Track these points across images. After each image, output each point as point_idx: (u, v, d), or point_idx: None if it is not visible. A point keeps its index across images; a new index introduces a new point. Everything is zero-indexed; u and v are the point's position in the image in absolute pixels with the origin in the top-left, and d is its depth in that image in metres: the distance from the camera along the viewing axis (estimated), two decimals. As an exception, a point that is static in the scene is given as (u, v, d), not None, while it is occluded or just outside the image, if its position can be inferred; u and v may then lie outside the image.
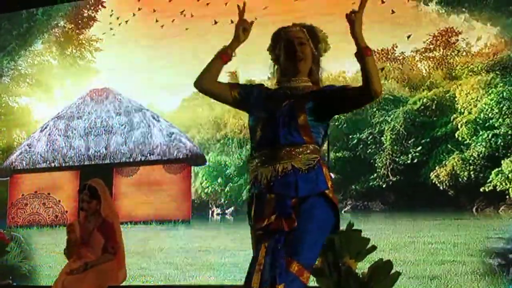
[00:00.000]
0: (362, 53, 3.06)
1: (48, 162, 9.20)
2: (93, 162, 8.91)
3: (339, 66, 7.76)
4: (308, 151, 3.03)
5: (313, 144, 3.07)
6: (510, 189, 6.69)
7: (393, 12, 7.65)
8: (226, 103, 3.40)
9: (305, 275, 2.87)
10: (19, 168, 9.34)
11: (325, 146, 3.36)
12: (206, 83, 3.25)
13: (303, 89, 3.19)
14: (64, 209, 8.91)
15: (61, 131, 9.24)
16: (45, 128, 9.39)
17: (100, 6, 9.55)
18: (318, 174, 3.01)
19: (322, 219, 2.98)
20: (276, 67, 3.36)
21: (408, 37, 7.57)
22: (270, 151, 3.03)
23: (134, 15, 9.18)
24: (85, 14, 9.65)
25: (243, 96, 3.30)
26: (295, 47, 3.19)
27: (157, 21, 8.97)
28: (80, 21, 9.66)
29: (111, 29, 9.36)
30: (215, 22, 8.51)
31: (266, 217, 2.94)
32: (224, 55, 3.24)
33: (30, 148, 9.36)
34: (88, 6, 9.64)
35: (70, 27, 9.70)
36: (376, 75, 3.02)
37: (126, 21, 9.22)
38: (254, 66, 7.85)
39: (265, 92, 3.28)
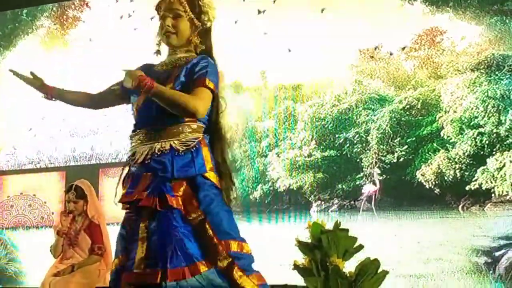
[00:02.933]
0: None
1: (33, 163, 9.16)
2: (79, 163, 8.88)
3: (325, 66, 7.78)
4: (189, 130, 2.98)
5: (196, 123, 3.02)
6: (496, 187, 6.73)
7: (377, 11, 7.68)
8: (120, 102, 3.39)
9: (246, 247, 2.98)
10: (4, 169, 9.30)
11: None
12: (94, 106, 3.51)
13: (181, 60, 3.12)
14: (50, 211, 8.87)
15: (47, 133, 9.20)
16: (31, 129, 9.34)
17: (85, 7, 9.51)
18: (196, 156, 2.94)
19: (220, 197, 3.01)
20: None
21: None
22: (150, 129, 2.97)
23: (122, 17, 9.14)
24: (70, 15, 9.60)
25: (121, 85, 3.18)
26: (165, 21, 3.12)
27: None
28: (65, 22, 9.61)
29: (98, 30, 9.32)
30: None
31: (136, 193, 2.89)
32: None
33: (15, 149, 9.31)
34: (73, 6, 9.59)
35: (55, 27, 9.65)
36: (176, 100, 2.90)
37: (121, 16, 9.18)
38: (239, 66, 7.90)
39: (148, 71, 3.09)
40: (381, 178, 7.24)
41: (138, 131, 3.05)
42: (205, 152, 3.01)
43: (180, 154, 2.89)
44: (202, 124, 3.06)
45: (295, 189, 7.65)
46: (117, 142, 8.66)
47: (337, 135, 7.62)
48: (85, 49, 9.27)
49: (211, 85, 3.00)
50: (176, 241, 2.76)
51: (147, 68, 3.16)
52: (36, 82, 3.34)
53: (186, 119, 2.97)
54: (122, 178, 3.11)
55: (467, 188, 6.85)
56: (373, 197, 7.20)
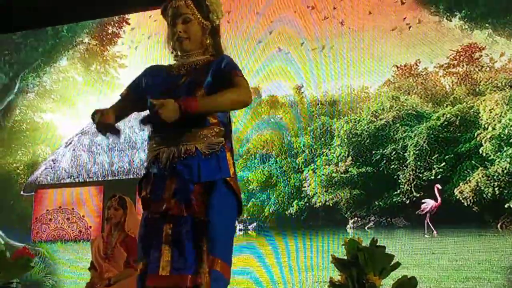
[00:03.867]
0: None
1: (72, 177, 9.27)
2: (116, 177, 8.96)
3: (362, 82, 7.78)
4: (213, 134, 2.92)
5: (218, 126, 2.96)
6: (535, 205, 6.64)
7: (414, 27, 7.65)
8: (137, 109, 3.23)
9: (228, 274, 2.84)
10: (43, 183, 9.42)
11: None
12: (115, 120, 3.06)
13: (199, 63, 3.07)
14: (88, 225, 8.97)
15: (85, 147, 9.32)
16: (70, 143, 9.49)
17: (124, 23, 9.65)
18: (221, 160, 2.91)
19: (229, 210, 2.93)
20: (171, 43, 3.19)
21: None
22: (173, 131, 2.87)
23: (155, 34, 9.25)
24: (110, 31, 9.76)
25: (133, 88, 3.17)
26: (176, 27, 3.06)
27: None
28: (104, 38, 9.77)
29: (136, 47, 9.45)
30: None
31: (165, 201, 2.83)
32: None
33: (54, 163, 9.45)
34: (112, 23, 9.74)
35: (94, 43, 9.82)
36: (226, 101, 2.87)
37: (148, 37, 9.30)
38: (275, 82, 7.94)
39: (160, 74, 3.13)
40: (418, 195, 7.18)
41: (159, 132, 2.97)
42: (229, 156, 2.97)
43: (206, 157, 2.86)
44: (222, 127, 2.99)
45: (331, 205, 7.62)
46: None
47: (373, 152, 7.59)
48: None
49: (243, 75, 2.99)
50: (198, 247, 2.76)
51: (162, 71, 3.16)
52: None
53: (211, 122, 2.92)
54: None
55: (506, 206, 6.75)
56: (430, 213, 7.10)
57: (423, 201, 7.12)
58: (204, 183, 2.84)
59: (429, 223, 7.05)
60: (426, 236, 7.05)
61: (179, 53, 3.15)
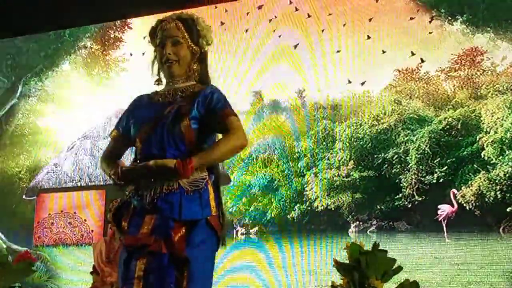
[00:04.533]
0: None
1: (74, 181, 9.28)
2: (118, 182, 8.95)
3: (364, 86, 7.79)
4: (198, 169, 2.76)
5: None
6: (538, 209, 6.64)
7: (416, 31, 7.67)
8: (129, 146, 3.14)
9: None
10: (45, 187, 9.43)
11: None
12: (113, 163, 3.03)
13: (185, 91, 2.96)
14: (89, 229, 8.97)
15: (87, 151, 9.33)
16: (72, 147, 9.49)
17: (126, 27, 9.67)
18: (204, 197, 2.77)
19: (211, 251, 2.83)
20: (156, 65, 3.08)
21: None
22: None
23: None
24: (112, 35, 9.78)
25: (123, 129, 3.07)
26: (165, 49, 2.94)
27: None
28: (106, 42, 9.79)
29: (143, 53, 9.46)
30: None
31: (142, 237, 2.71)
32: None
33: (56, 167, 9.46)
34: (114, 27, 9.76)
35: (96, 48, 9.83)
36: (225, 153, 2.80)
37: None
38: (278, 86, 7.95)
39: (144, 103, 3.02)
40: (420, 199, 7.18)
41: (140, 162, 2.86)
42: (211, 191, 2.83)
43: (188, 194, 2.74)
44: None
45: (333, 209, 7.62)
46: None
47: (375, 155, 7.59)
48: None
49: (234, 113, 2.87)
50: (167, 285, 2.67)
51: (143, 101, 3.06)
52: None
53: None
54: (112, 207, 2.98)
55: (508, 209, 6.75)
56: (447, 218, 7.06)
57: (439, 207, 7.10)
58: (186, 222, 2.74)
59: (444, 228, 7.02)
60: (447, 241, 7.02)
61: (164, 79, 3.05)
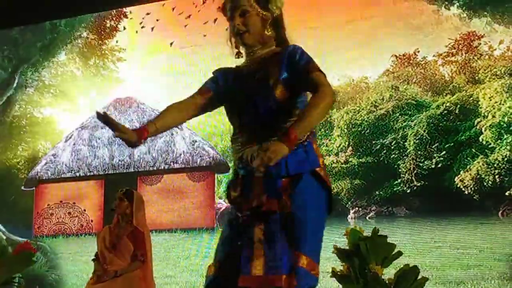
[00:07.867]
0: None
1: (73, 171, 9.27)
2: (117, 171, 8.96)
3: (361, 72, 7.79)
4: None
5: None
6: (536, 192, 6.65)
7: (413, 16, 7.65)
8: (213, 107, 3.08)
9: (316, 270, 2.70)
10: (44, 178, 9.42)
11: None
12: (183, 119, 3.02)
13: (266, 56, 2.94)
14: (89, 218, 8.97)
15: (86, 141, 9.32)
16: (70, 138, 9.48)
17: (122, 17, 9.64)
18: (308, 150, 2.77)
19: (318, 204, 2.78)
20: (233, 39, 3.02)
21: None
22: (257, 129, 2.77)
23: (157, 20, 9.23)
24: (108, 25, 9.74)
25: (216, 87, 3.01)
26: (234, 21, 2.90)
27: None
28: (102, 32, 9.76)
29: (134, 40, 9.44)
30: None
31: (255, 198, 2.71)
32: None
33: (55, 158, 9.45)
34: (110, 16, 9.72)
35: (93, 37, 9.80)
36: (320, 115, 2.73)
37: (152, 28, 9.27)
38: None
39: (230, 74, 3.01)
40: (419, 184, 7.19)
41: (241, 133, 2.87)
42: (315, 146, 2.85)
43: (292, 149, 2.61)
44: None
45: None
46: (155, 150, 8.74)
47: (373, 141, 7.59)
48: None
49: (319, 68, 2.82)
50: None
51: (230, 74, 3.04)
52: (128, 136, 2.87)
53: (294, 114, 2.78)
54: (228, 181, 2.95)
55: (506, 193, 6.76)
56: None
57: None
58: (292, 178, 2.72)
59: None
60: (428, 225, 7.06)
61: (242, 49, 3.00)
